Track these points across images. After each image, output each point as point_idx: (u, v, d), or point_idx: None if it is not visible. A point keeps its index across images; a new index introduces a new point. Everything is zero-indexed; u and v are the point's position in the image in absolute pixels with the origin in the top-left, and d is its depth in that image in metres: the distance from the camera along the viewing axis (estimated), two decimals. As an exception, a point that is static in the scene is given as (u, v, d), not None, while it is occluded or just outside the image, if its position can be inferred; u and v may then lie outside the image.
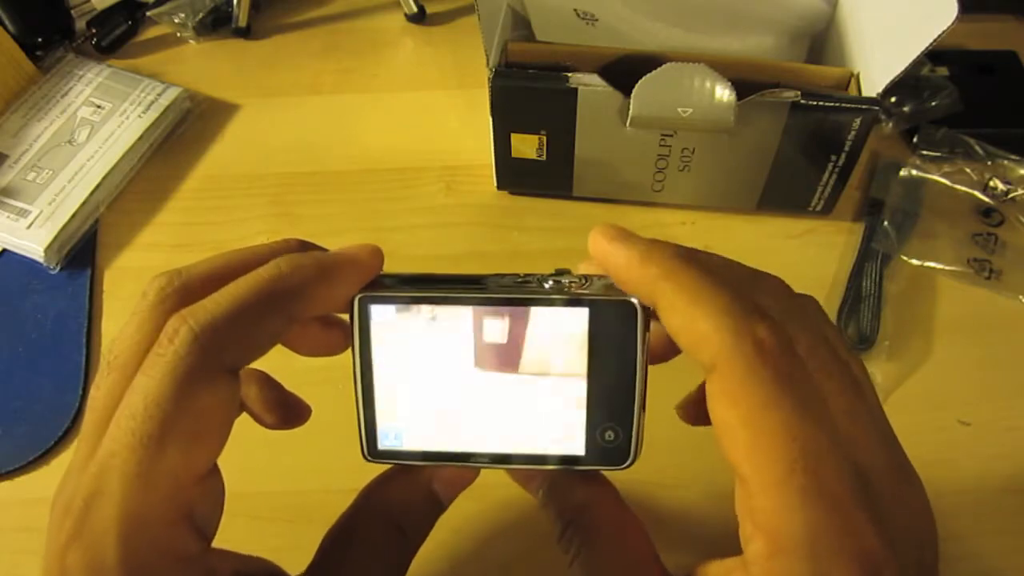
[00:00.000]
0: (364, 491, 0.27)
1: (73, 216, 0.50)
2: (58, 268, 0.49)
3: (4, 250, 0.50)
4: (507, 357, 0.24)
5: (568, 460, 0.25)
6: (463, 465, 0.26)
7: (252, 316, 0.23)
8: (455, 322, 0.24)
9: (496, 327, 0.24)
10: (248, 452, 0.36)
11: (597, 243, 0.23)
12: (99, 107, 0.55)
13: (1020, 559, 0.37)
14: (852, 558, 0.19)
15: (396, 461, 0.26)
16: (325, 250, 0.26)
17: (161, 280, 0.24)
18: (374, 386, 0.25)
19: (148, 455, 0.21)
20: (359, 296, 0.25)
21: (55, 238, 0.49)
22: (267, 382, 0.30)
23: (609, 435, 0.24)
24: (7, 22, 0.56)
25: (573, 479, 0.25)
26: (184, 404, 0.21)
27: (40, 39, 0.58)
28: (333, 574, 0.25)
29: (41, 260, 0.49)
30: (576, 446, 0.24)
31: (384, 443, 0.25)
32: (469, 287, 0.24)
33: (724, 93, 0.42)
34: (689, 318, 0.21)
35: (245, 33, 0.63)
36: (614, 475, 0.25)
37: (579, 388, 0.24)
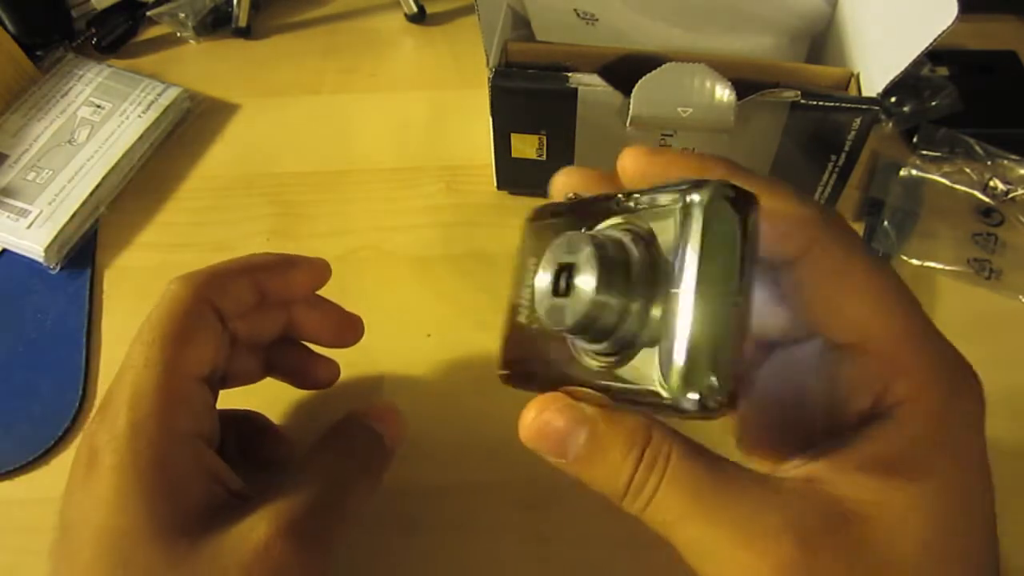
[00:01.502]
0: (317, 440, 0.33)
1: (73, 216, 0.50)
2: (58, 268, 0.49)
3: (4, 250, 0.50)
4: None
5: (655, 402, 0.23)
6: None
7: (231, 276, 0.33)
8: None
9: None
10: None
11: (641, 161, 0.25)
12: (99, 107, 0.55)
13: (1020, 559, 0.37)
14: (975, 396, 0.23)
15: (526, 387, 0.26)
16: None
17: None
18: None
19: (150, 352, 0.29)
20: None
21: (55, 238, 0.49)
22: (323, 305, 0.38)
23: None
24: (7, 22, 0.56)
25: None
26: (178, 320, 0.30)
27: (40, 39, 0.58)
28: (282, 487, 0.29)
29: (41, 260, 0.49)
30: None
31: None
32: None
33: (724, 93, 0.42)
34: (771, 207, 0.21)
35: (245, 33, 0.63)
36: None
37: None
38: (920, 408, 0.21)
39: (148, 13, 0.62)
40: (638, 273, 0.21)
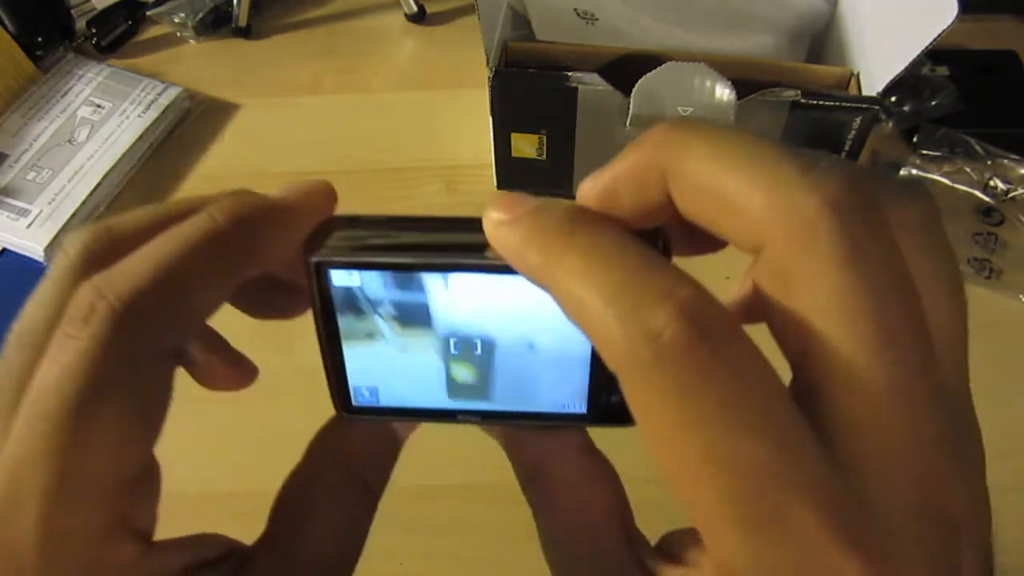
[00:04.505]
0: (317, 439, 0.23)
1: (73, 216, 0.50)
2: (58, 268, 0.49)
3: (4, 250, 0.50)
4: (495, 318, 0.21)
5: (567, 418, 0.22)
6: (450, 421, 0.23)
7: (185, 281, 0.18)
8: (432, 282, 0.21)
9: (482, 288, 0.21)
10: (242, 451, 0.36)
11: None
12: (99, 107, 0.55)
13: (1021, 559, 0.37)
14: (932, 519, 0.15)
15: (375, 418, 0.24)
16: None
17: (85, 236, 0.19)
18: (342, 346, 0.22)
19: (65, 465, 0.17)
20: (315, 261, 0.20)
21: (55, 238, 0.49)
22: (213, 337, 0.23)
23: (615, 397, 0.21)
24: (7, 22, 0.56)
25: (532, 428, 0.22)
26: (106, 401, 0.17)
27: (40, 39, 0.58)
28: (295, 538, 0.22)
29: (41, 260, 0.49)
30: (576, 406, 0.22)
31: (359, 400, 0.23)
32: (445, 243, 0.20)
33: (724, 93, 0.42)
34: (720, 183, 0.16)
35: (245, 33, 0.63)
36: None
37: (582, 347, 0.21)
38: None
39: (148, 13, 0.62)
40: None
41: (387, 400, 0.23)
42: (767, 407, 0.15)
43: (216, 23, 0.63)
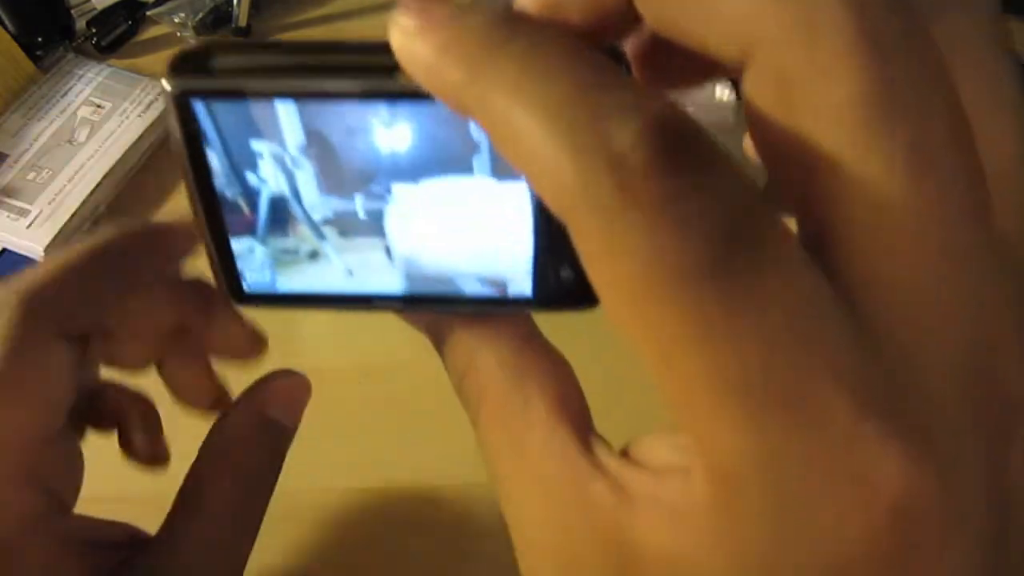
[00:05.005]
0: (205, 441, 0.26)
1: (73, 216, 0.50)
2: (58, 268, 0.49)
3: (4, 250, 0.50)
4: (410, 167, 0.17)
5: (506, 303, 0.18)
6: (365, 308, 0.19)
7: (82, 276, 0.23)
8: (330, 117, 0.16)
9: (396, 124, 0.16)
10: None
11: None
12: (99, 107, 0.55)
13: None
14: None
15: (273, 306, 0.19)
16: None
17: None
18: (222, 213, 0.18)
19: None
20: (178, 91, 0.16)
21: (55, 238, 0.49)
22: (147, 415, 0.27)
23: (565, 271, 0.17)
24: (7, 22, 0.56)
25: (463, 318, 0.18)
26: (15, 369, 0.21)
27: (40, 39, 0.58)
28: (188, 536, 0.24)
29: (41, 260, 0.49)
30: (518, 285, 0.17)
31: (253, 284, 0.19)
32: (345, 65, 0.16)
33: (724, 93, 0.42)
34: None
35: (245, 33, 0.63)
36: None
37: (523, 201, 0.16)
38: None
39: (148, 13, 0.62)
40: None
41: (286, 284, 0.19)
42: (776, 253, 0.11)
43: (216, 23, 0.63)
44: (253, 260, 0.19)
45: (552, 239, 0.16)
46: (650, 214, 0.11)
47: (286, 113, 0.16)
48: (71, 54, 0.59)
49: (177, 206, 0.53)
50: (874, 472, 0.11)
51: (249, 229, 0.18)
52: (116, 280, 0.23)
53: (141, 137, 0.54)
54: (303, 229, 0.18)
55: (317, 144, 0.16)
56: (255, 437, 0.26)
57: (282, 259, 0.18)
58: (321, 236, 0.18)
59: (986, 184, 0.12)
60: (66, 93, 0.56)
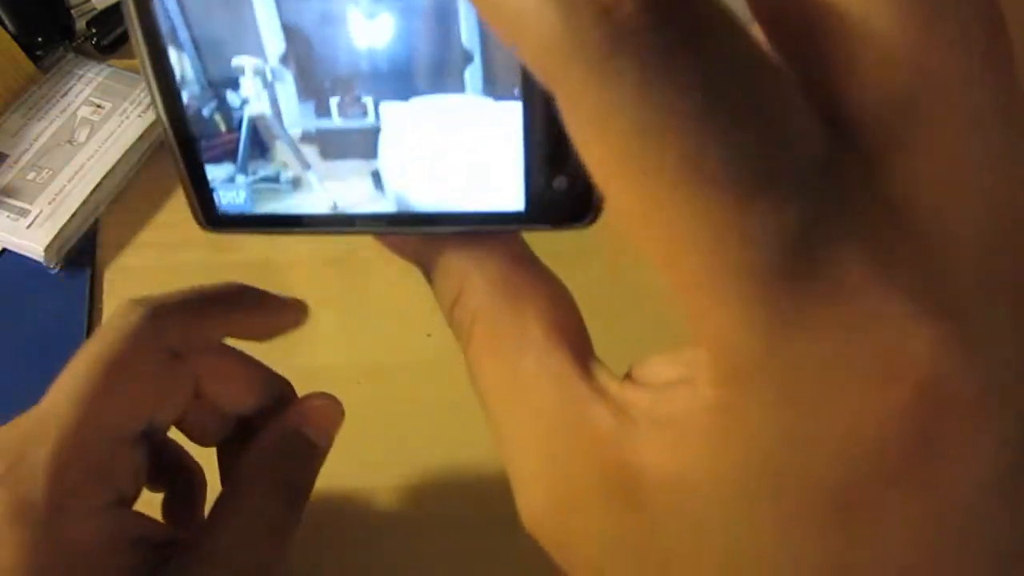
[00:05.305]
0: (244, 453, 0.28)
1: (73, 216, 0.50)
2: (58, 268, 0.49)
3: (4, 250, 0.50)
4: (396, 80, 0.15)
5: (498, 219, 0.17)
6: (347, 230, 0.18)
7: (196, 309, 0.26)
8: (304, 9, 0.15)
9: (373, 21, 0.15)
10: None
11: None
12: (99, 107, 0.55)
13: None
14: None
15: (248, 230, 0.18)
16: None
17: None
18: (188, 123, 0.16)
19: (84, 411, 0.24)
20: None
21: (55, 238, 0.49)
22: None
23: (560, 181, 0.16)
24: (7, 22, 0.56)
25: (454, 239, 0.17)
26: (124, 369, 0.24)
27: (40, 39, 0.58)
28: (223, 543, 0.26)
29: (41, 260, 0.49)
30: (509, 199, 0.16)
31: (226, 206, 0.18)
32: None
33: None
34: None
35: (245, 33, 0.63)
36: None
37: (513, 113, 0.15)
38: None
39: (148, 13, 0.62)
40: None
41: (263, 206, 0.18)
42: (784, 106, 0.10)
43: (216, 23, 0.63)
44: (227, 181, 0.17)
45: (545, 147, 0.15)
46: (643, 67, 0.10)
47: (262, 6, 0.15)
48: (71, 54, 0.59)
49: (178, 205, 0.53)
50: (900, 353, 0.10)
51: (225, 147, 0.17)
52: (219, 319, 0.27)
53: (141, 137, 0.54)
54: (281, 146, 0.17)
55: (296, 45, 0.15)
56: (292, 451, 0.28)
57: (259, 183, 0.17)
58: (301, 156, 0.17)
59: (1007, 31, 0.10)
60: (66, 93, 0.56)
